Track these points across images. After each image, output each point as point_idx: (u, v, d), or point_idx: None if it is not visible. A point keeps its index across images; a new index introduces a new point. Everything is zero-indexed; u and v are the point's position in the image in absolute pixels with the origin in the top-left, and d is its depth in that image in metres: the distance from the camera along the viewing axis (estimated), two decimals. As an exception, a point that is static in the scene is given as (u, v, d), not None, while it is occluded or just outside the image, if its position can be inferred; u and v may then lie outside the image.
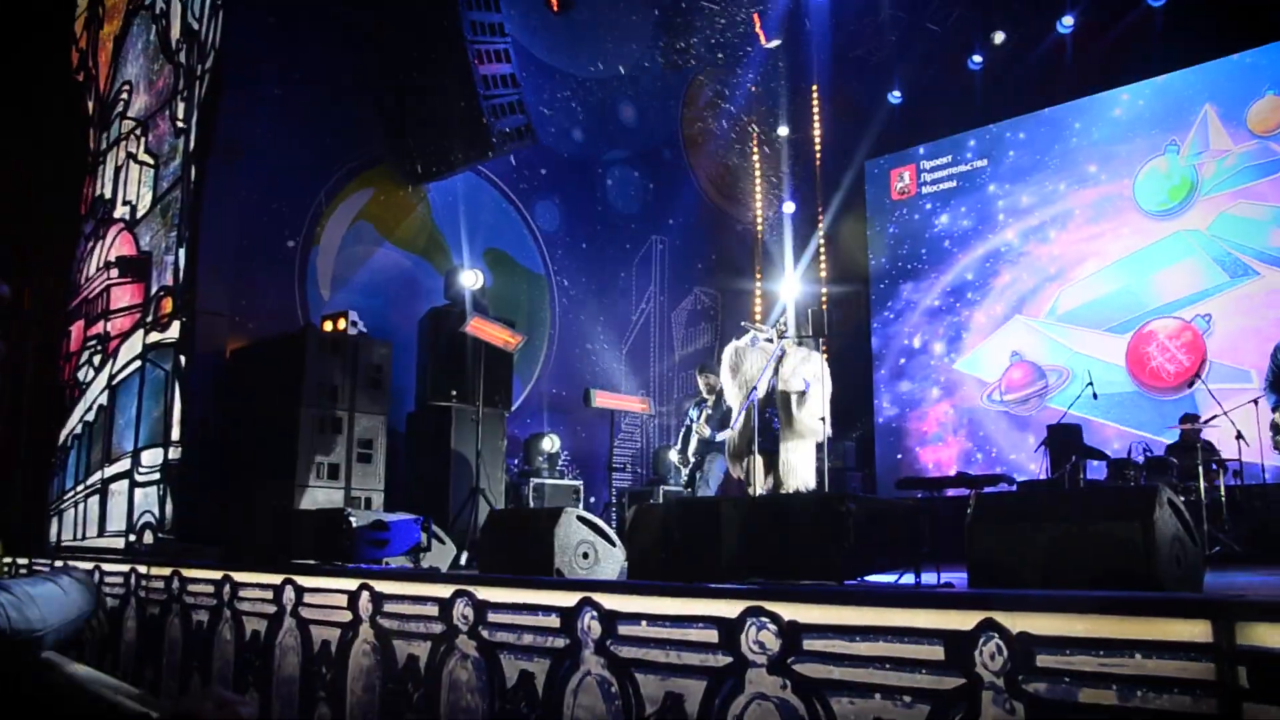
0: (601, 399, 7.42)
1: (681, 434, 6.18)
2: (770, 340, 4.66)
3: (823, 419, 4.48)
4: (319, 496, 5.57)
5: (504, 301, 7.57)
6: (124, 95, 7.54)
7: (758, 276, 9.22)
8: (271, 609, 3.95)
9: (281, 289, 6.67)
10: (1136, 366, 7.37)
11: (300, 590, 3.87)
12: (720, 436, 5.67)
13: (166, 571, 4.61)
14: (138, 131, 7.27)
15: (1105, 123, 7.86)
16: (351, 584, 3.65)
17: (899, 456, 8.57)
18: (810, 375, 4.53)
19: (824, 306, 8.53)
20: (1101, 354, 7.56)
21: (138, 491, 6.20)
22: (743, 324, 4.76)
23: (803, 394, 4.47)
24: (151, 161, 7.00)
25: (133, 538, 6.13)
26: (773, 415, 4.62)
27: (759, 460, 4.55)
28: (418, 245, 7.52)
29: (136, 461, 6.29)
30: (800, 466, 4.48)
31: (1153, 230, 7.48)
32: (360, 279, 7.03)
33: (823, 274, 8.92)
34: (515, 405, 7.52)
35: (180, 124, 6.67)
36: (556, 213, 8.60)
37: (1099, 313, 7.68)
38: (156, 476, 6.04)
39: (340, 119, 7.03)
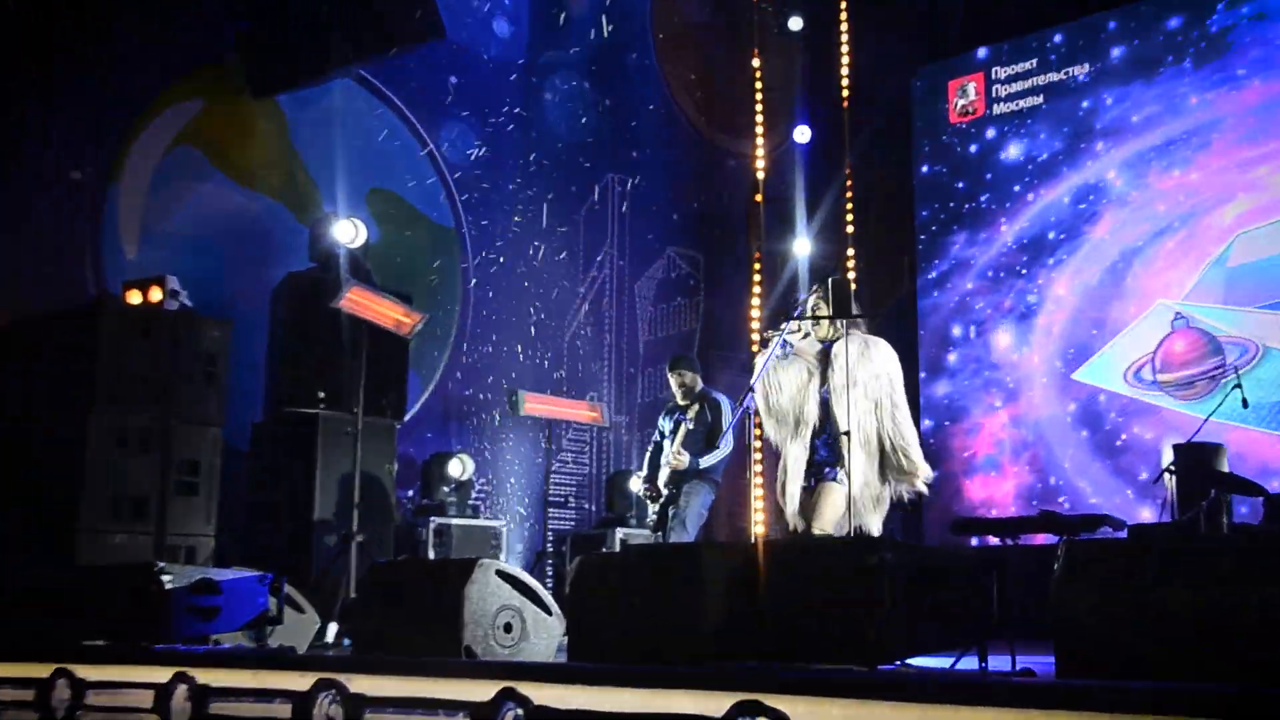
0: (534, 404, 7.48)
1: (648, 454, 6.21)
2: (808, 335, 4.71)
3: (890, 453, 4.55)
4: (116, 545, 5.52)
5: (397, 265, 7.58)
6: None
7: (758, 232, 9.15)
8: (32, 717, 3.79)
9: (61, 242, 6.52)
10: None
11: (81, 686, 3.73)
12: (705, 461, 5.74)
13: None
14: None
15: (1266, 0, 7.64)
16: (162, 674, 3.53)
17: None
18: (873, 376, 4.57)
19: (849, 276, 8.47)
20: (1269, 338, 7.29)
21: None
22: (764, 334, 4.82)
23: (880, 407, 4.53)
24: None
25: None
26: (821, 441, 4.65)
27: (790, 503, 4.64)
28: (270, 182, 7.52)
29: None
30: (868, 513, 4.52)
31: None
32: (184, 230, 6.94)
33: (849, 229, 8.88)
34: (411, 413, 7.48)
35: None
36: (473, 140, 8.59)
37: (1267, 279, 7.34)
38: None
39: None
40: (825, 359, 4.72)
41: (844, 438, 4.50)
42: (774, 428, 4.76)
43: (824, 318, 4.74)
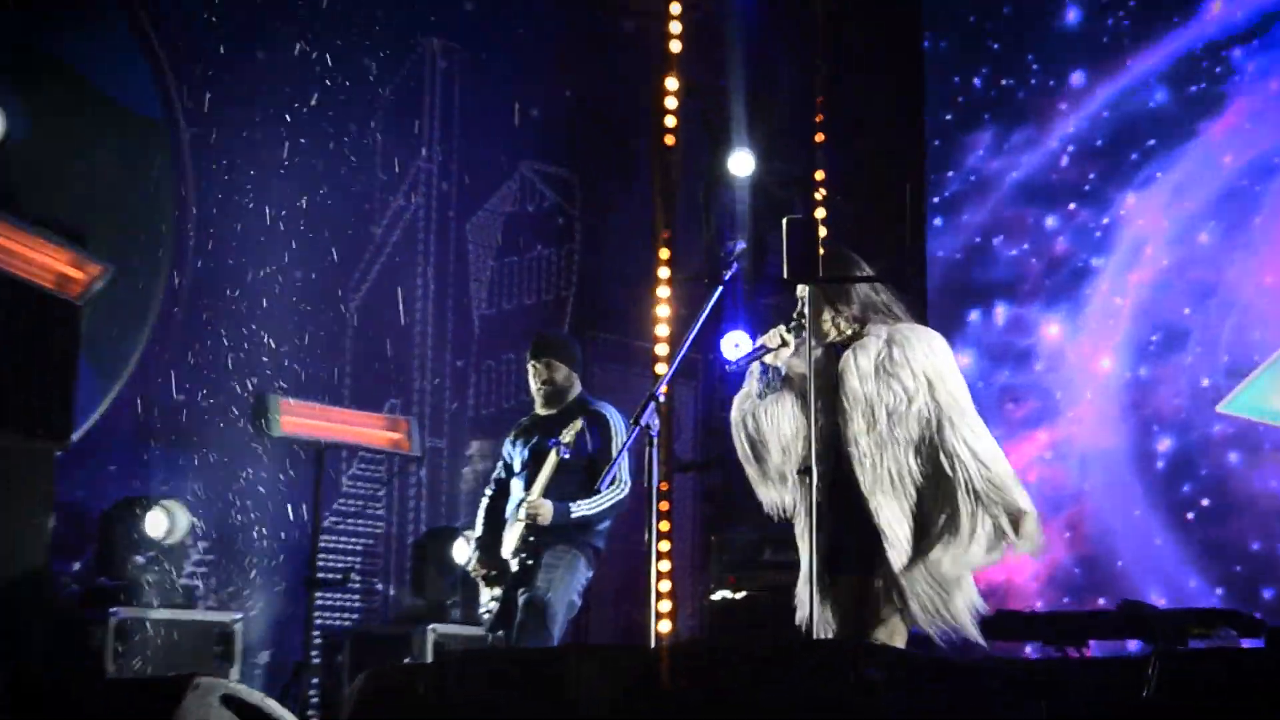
0: (295, 418, 7.56)
1: (485, 502, 6.33)
2: (800, 340, 4.80)
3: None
4: None
5: (62, 182, 7.49)
6: None
7: (668, 139, 9.04)
8: None
9: None
10: None
11: None
12: (583, 510, 5.90)
13: None
14: None
15: None
16: None
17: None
18: (901, 398, 4.71)
19: (817, 213, 8.42)
20: None
21: None
22: (730, 365, 4.94)
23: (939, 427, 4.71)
24: None
25: None
26: (831, 482, 4.77)
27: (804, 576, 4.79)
28: None
29: None
30: (933, 589, 4.69)
31: None
32: None
33: (818, 136, 8.85)
34: (82, 430, 7.45)
35: None
36: (198, -21, 8.65)
37: None
38: None
39: None
40: (829, 376, 4.79)
41: (806, 478, 4.56)
42: (767, 493, 4.90)
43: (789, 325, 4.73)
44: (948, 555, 4.63)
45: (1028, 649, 7.29)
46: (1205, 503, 7.91)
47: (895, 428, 4.67)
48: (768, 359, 4.77)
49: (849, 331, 4.79)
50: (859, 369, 4.70)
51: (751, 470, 4.89)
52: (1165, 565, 7.94)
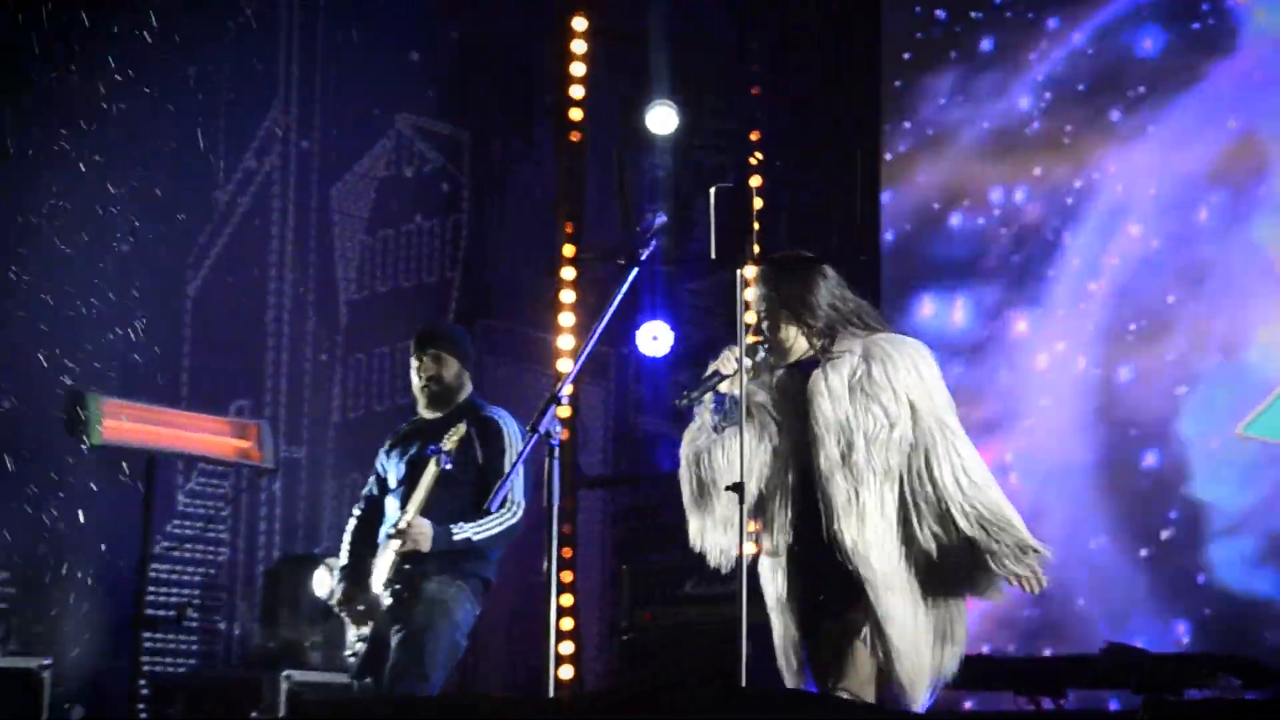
0: (119, 421, 7.59)
1: (351, 524, 6.36)
2: (761, 358, 4.93)
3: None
4: None
5: None
6: None
7: (573, 92, 9.04)
8: None
9: None
10: None
11: None
12: (467, 534, 5.92)
13: None
14: None
15: None
16: None
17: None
18: (881, 423, 4.78)
19: (750, 182, 8.46)
20: None
21: None
22: (680, 400, 4.98)
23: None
24: None
25: None
26: (803, 521, 4.87)
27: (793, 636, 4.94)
28: None
29: None
30: (917, 643, 4.78)
31: None
32: None
33: (753, 88, 8.87)
34: None
35: None
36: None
37: None
38: None
39: None
40: (797, 400, 4.86)
41: (732, 492, 4.64)
42: (711, 534, 4.91)
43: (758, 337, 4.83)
44: (943, 601, 4.76)
45: (968, 703, 7.39)
46: (1188, 529, 7.91)
47: (874, 456, 4.71)
48: (722, 387, 4.80)
49: (818, 345, 4.84)
50: (830, 390, 4.75)
51: (698, 521, 4.90)
52: (1137, 604, 7.94)
